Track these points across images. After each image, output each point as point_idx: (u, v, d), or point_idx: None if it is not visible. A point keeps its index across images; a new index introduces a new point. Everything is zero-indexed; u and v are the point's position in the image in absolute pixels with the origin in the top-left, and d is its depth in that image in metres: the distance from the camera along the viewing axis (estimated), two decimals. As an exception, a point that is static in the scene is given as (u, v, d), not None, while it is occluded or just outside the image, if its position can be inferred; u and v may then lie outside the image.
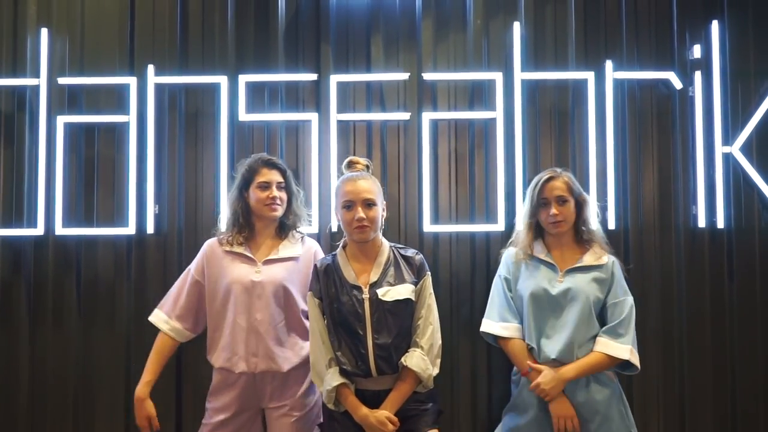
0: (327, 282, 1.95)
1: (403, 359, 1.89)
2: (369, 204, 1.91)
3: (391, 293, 1.89)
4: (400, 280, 1.92)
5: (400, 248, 2.02)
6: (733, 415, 2.55)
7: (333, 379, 1.88)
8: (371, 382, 1.91)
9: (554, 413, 2.00)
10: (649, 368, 2.51)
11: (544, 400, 2.01)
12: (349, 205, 1.91)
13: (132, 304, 2.55)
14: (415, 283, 1.94)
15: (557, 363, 2.01)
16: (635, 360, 2.01)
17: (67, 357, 2.54)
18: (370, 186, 1.93)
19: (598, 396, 2.02)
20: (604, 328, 2.03)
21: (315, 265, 2.00)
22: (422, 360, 1.89)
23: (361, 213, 1.89)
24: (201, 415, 2.14)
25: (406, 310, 1.91)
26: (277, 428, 2.05)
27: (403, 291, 1.90)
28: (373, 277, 1.92)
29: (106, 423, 2.53)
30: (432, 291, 1.99)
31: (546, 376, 1.98)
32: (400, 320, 1.90)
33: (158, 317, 2.13)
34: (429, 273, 2.00)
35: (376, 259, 1.95)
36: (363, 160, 2.04)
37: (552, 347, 2.02)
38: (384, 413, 1.85)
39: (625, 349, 1.99)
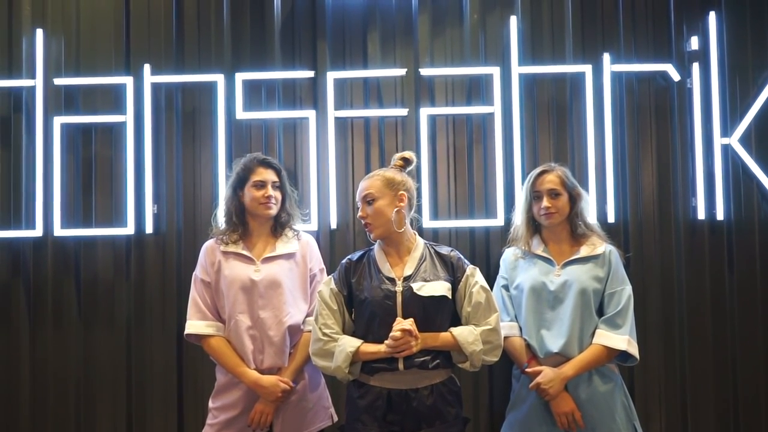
0: (359, 274, 1.92)
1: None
2: (368, 201, 1.89)
3: (426, 288, 1.84)
4: (434, 276, 1.88)
5: (434, 245, 1.99)
6: (735, 407, 2.55)
7: (349, 344, 1.83)
8: (399, 378, 1.83)
9: (555, 411, 1.99)
10: (651, 360, 2.52)
11: None
12: (359, 207, 1.93)
13: (132, 304, 2.55)
14: (451, 281, 1.90)
15: (560, 356, 2.00)
16: (633, 350, 1.98)
17: (68, 358, 2.54)
18: (369, 183, 1.91)
19: (601, 389, 2.01)
20: (601, 319, 2.02)
21: (347, 259, 1.98)
22: (470, 332, 1.83)
23: (360, 211, 1.90)
24: (202, 414, 2.13)
25: (440, 307, 1.86)
26: (285, 423, 2.05)
27: (439, 288, 1.85)
28: (407, 270, 1.88)
29: (107, 424, 2.53)
30: (482, 287, 1.88)
31: (546, 376, 1.97)
32: (431, 317, 1.84)
33: (196, 327, 2.04)
34: (473, 267, 1.93)
35: (410, 255, 1.92)
36: (404, 154, 1.99)
37: (553, 341, 2.01)
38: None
39: (622, 339, 1.97)
